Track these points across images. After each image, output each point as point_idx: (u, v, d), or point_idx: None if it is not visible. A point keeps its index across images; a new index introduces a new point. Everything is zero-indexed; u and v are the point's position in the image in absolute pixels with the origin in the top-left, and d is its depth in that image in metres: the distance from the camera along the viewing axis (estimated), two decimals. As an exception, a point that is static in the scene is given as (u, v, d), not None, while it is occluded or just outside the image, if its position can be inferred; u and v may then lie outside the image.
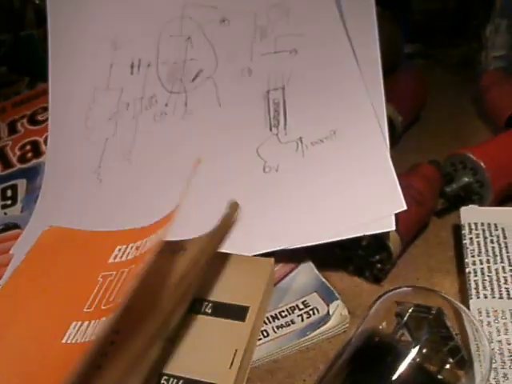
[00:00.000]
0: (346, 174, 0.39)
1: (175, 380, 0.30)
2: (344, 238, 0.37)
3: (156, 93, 0.47)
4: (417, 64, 0.61)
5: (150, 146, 0.45)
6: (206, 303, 0.33)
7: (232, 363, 0.30)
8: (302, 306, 0.35)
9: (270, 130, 0.43)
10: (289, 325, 0.34)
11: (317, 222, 0.38)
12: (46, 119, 0.50)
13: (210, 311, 0.33)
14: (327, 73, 0.44)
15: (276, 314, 0.35)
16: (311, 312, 0.34)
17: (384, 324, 0.31)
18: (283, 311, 0.35)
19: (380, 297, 0.32)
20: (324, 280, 0.37)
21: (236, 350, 0.30)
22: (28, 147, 0.49)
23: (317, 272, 0.37)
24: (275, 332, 0.34)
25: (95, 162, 0.46)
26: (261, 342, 0.34)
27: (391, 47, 0.54)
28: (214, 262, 0.34)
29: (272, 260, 0.35)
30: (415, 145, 0.51)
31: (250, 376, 0.33)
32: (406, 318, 0.29)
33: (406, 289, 0.32)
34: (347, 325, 0.35)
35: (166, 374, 0.30)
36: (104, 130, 0.47)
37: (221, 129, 0.44)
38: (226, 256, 0.35)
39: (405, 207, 0.37)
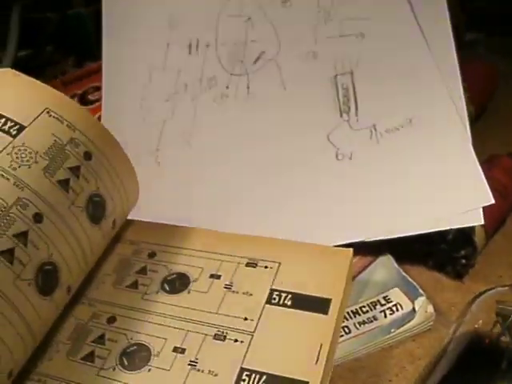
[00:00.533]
0: (427, 164, 0.38)
1: (257, 375, 0.28)
2: (429, 231, 0.35)
3: (216, 74, 0.45)
4: (479, 53, 0.60)
5: (210, 129, 0.44)
6: (285, 294, 0.31)
7: (318, 358, 0.28)
8: (383, 302, 0.33)
9: (341, 116, 0.41)
10: (371, 321, 0.32)
11: (399, 214, 0.36)
12: (98, 99, 0.49)
13: (289, 303, 0.31)
14: (398, 58, 0.42)
15: (357, 310, 0.33)
16: (394, 308, 0.33)
17: (480, 322, 0.30)
18: (364, 306, 0.33)
19: (478, 296, 0.30)
20: (405, 274, 0.35)
21: (321, 345, 0.28)
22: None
23: (397, 266, 0.36)
24: (357, 328, 0.32)
25: (153, 144, 0.44)
26: (342, 338, 0.32)
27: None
28: (290, 250, 0.32)
29: (351, 251, 0.33)
30: (487, 135, 0.48)
31: (331, 375, 0.31)
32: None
33: (505, 288, 0.30)
34: (432, 322, 0.33)
35: (248, 370, 0.28)
36: (161, 111, 0.45)
37: (286, 113, 0.42)
38: (303, 245, 0.33)
39: (492, 201, 0.35)
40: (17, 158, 0.28)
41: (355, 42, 0.43)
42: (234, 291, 0.31)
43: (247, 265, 0.33)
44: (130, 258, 0.34)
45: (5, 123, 0.29)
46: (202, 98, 0.45)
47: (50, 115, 0.30)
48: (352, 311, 0.33)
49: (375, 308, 0.33)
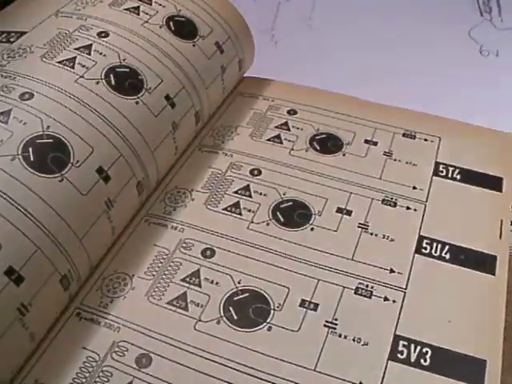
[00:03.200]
0: None
1: (439, 244, 0.24)
2: None
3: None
4: None
5: (332, 12, 0.40)
6: (452, 169, 0.27)
7: (501, 233, 0.25)
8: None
9: (481, 15, 0.39)
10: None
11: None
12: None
13: (458, 177, 0.27)
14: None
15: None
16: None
17: None
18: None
19: None
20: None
21: (501, 221, 0.25)
22: None
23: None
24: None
25: (267, 24, 0.40)
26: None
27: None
28: (450, 127, 0.28)
29: (515, 135, 0.31)
30: None
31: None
32: None
33: None
34: None
35: (428, 238, 0.24)
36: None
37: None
38: (463, 124, 0.29)
39: None
40: None
41: None
42: (395, 159, 0.27)
43: (404, 135, 0.29)
44: (266, 113, 0.29)
45: None
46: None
47: None
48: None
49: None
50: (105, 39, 0.25)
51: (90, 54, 0.24)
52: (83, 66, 0.23)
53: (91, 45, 0.24)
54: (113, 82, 0.23)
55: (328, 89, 0.32)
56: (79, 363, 0.20)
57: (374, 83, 0.34)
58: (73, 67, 0.23)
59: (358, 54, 0.37)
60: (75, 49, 0.24)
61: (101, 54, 0.24)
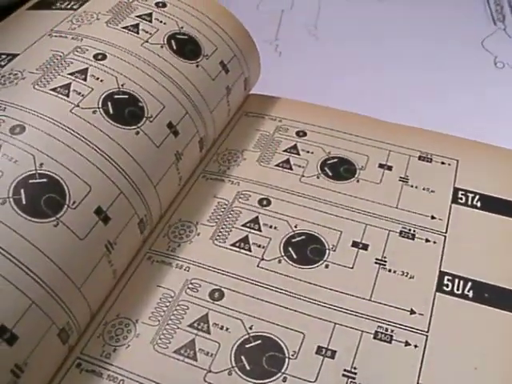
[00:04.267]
0: None
1: (461, 281, 0.22)
2: None
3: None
4: None
5: (338, 22, 0.37)
6: (472, 195, 0.26)
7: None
8: None
9: (495, 24, 0.37)
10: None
11: None
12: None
13: (478, 204, 0.25)
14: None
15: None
16: None
17: None
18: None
19: None
20: None
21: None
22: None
23: None
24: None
25: (271, 34, 0.37)
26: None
27: None
28: (467, 148, 0.27)
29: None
30: None
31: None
32: None
33: None
34: None
35: (449, 274, 0.22)
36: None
37: (432, 11, 0.37)
38: (481, 145, 0.27)
39: None
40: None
41: None
42: (411, 185, 0.26)
43: (420, 158, 0.27)
44: (274, 135, 0.28)
45: None
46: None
47: None
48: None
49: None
50: (101, 62, 0.23)
51: (85, 79, 0.22)
52: (79, 94, 0.22)
53: (87, 69, 0.23)
54: (111, 111, 0.22)
55: (336, 104, 0.30)
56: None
57: (383, 98, 0.33)
58: (67, 95, 0.21)
59: (367, 66, 0.35)
60: (70, 74, 0.22)
61: (97, 79, 0.22)
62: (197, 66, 0.25)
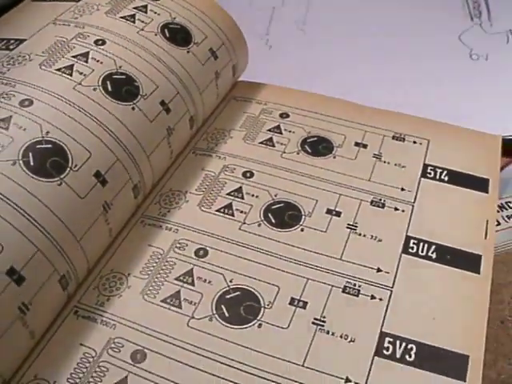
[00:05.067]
0: None
1: (425, 244, 0.24)
2: None
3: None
4: None
5: (326, 18, 0.40)
6: (440, 170, 0.28)
7: (486, 233, 0.26)
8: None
9: (472, 19, 0.40)
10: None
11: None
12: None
13: (446, 179, 0.28)
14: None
15: (502, 204, 0.30)
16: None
17: None
18: (510, 202, 0.30)
19: None
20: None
21: (487, 221, 0.26)
22: None
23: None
24: (506, 222, 0.29)
25: (262, 29, 0.40)
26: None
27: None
28: (438, 129, 0.29)
29: (501, 136, 0.30)
30: None
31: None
32: None
33: None
34: None
35: (415, 238, 0.24)
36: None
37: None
38: (451, 126, 0.30)
39: None
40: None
41: None
42: (384, 161, 0.28)
43: (394, 138, 0.30)
44: (259, 117, 0.30)
45: None
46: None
47: None
48: (498, 205, 0.30)
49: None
50: (101, 47, 0.26)
51: (87, 61, 0.25)
52: (81, 74, 0.24)
53: (88, 52, 0.25)
54: (109, 89, 0.24)
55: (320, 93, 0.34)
56: (77, 359, 0.21)
57: (364, 88, 0.35)
58: (71, 74, 0.24)
59: (351, 59, 0.37)
60: (73, 56, 0.25)
61: (98, 61, 0.25)
62: (188, 52, 0.28)
